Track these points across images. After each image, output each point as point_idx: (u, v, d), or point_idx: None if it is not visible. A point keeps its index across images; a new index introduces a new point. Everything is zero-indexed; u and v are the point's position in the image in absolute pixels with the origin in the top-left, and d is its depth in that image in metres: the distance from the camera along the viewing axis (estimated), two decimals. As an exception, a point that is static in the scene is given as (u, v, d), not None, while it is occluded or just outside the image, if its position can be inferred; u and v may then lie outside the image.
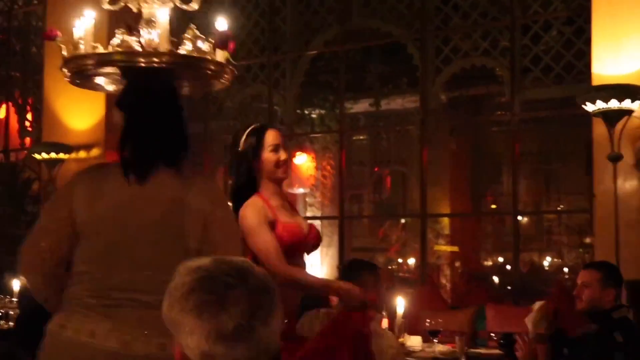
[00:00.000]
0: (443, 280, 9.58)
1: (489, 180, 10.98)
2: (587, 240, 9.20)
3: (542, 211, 11.23)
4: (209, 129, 7.51)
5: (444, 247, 10.08)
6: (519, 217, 7.06)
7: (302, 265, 3.09)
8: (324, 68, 7.98)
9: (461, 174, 10.47)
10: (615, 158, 4.97)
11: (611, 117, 4.93)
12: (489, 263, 10.78)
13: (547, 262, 10.91)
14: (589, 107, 4.95)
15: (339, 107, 7.63)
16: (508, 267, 8.59)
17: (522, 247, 7.36)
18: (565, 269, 10.22)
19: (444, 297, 6.84)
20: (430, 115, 6.73)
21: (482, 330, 5.44)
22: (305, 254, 3.18)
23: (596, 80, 5.23)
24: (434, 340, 4.32)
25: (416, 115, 7.24)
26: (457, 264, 9.90)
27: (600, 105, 4.88)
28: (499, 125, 9.59)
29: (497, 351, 4.20)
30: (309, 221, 3.51)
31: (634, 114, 4.96)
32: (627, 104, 4.89)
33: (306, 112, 9.53)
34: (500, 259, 10.32)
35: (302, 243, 3.06)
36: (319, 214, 10.55)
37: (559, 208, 11.25)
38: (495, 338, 4.76)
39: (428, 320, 4.33)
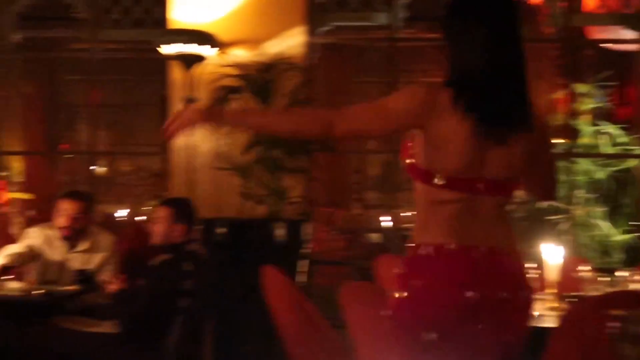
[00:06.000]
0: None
1: (66, 128, 10.56)
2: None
3: (116, 152, 11.22)
4: None
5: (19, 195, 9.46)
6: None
7: None
8: None
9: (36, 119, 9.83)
10: (191, 100, 5.14)
11: (189, 61, 5.09)
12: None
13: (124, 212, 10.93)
14: (167, 49, 5.03)
15: None
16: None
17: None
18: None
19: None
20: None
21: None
22: None
23: (174, 26, 5.35)
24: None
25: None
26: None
27: (179, 48, 5.00)
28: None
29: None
30: None
31: (208, 60, 5.18)
32: (203, 50, 5.07)
33: None
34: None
35: None
36: None
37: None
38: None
39: None
